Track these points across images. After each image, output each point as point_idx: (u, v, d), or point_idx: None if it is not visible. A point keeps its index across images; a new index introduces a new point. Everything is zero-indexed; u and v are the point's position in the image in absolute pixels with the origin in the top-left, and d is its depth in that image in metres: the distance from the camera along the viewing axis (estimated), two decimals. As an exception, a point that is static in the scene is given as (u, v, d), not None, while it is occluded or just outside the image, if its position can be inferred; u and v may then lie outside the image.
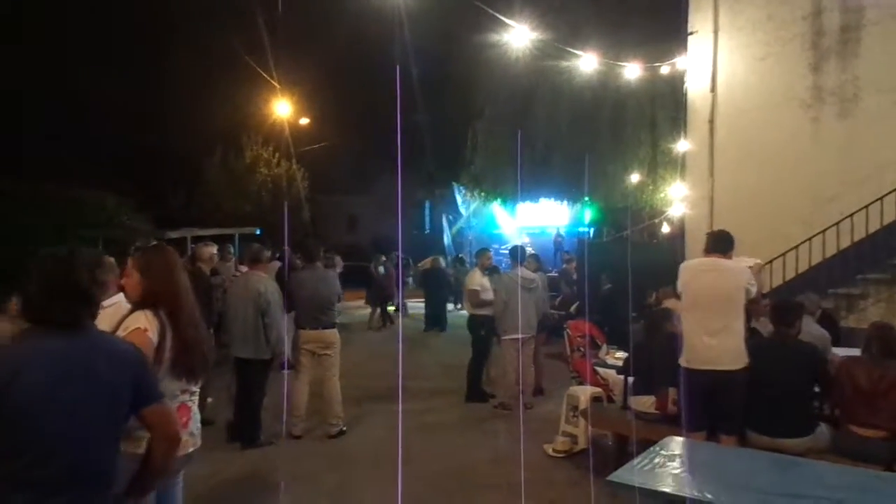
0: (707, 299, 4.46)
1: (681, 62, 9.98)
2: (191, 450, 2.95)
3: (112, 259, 3.32)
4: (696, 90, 9.26)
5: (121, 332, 2.73)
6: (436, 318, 14.67)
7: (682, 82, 9.99)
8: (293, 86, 20.97)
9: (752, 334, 4.86)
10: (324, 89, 22.82)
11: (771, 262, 7.86)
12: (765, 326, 5.04)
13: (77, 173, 16.58)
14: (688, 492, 2.83)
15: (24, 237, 10.32)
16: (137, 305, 2.84)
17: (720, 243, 4.68)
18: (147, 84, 21.40)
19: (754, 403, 4.31)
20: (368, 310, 15.21)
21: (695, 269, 4.71)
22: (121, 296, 3.12)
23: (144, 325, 2.73)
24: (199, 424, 3.04)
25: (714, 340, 4.36)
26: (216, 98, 21.70)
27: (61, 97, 19.47)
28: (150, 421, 2.31)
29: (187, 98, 21.26)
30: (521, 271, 7.69)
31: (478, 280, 8.05)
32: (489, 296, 7.87)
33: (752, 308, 4.68)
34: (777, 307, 4.71)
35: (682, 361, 4.48)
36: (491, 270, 8.37)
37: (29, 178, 14.92)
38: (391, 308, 15.57)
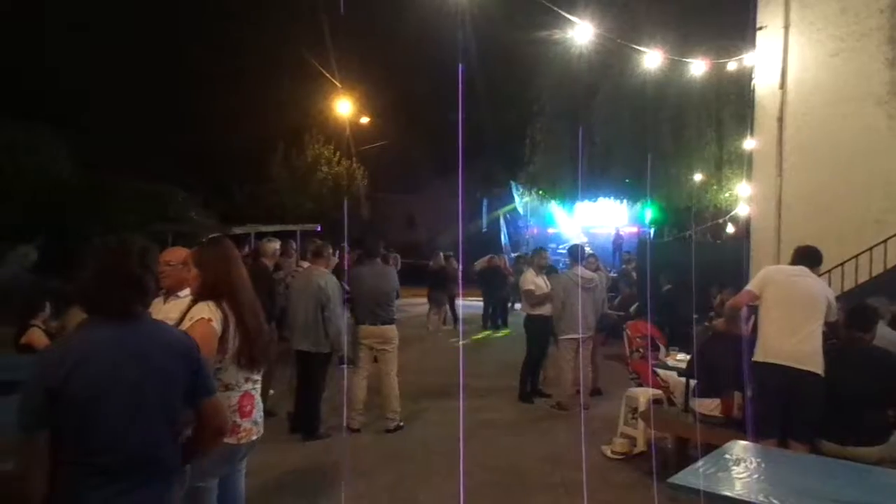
0: (797, 301, 4.44)
1: (748, 58, 9.69)
2: (254, 438, 3.01)
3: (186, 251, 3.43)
4: (765, 87, 8.96)
5: (186, 323, 2.81)
6: (494, 317, 14.62)
7: (750, 79, 9.70)
8: (354, 85, 21.27)
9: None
10: (384, 88, 23.06)
11: (842, 264, 7.57)
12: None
13: (149, 168, 17.23)
14: (755, 497, 2.75)
15: (104, 229, 10.79)
16: (198, 297, 2.92)
17: (808, 257, 4.70)
18: (213, 83, 21.99)
19: (826, 410, 4.16)
20: (425, 306, 15.20)
21: (786, 271, 4.71)
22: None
23: (209, 316, 2.81)
24: (262, 413, 3.10)
25: (798, 340, 4.31)
26: (280, 97, 22.17)
27: (133, 94, 20.21)
28: (202, 413, 2.33)
29: (252, 97, 21.77)
30: (580, 270, 7.61)
31: (531, 279, 7.99)
32: (545, 294, 7.83)
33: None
34: (853, 312, 4.54)
35: (759, 357, 4.41)
36: (547, 270, 8.30)
37: (107, 172, 15.62)
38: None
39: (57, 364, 2.06)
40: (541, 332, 7.94)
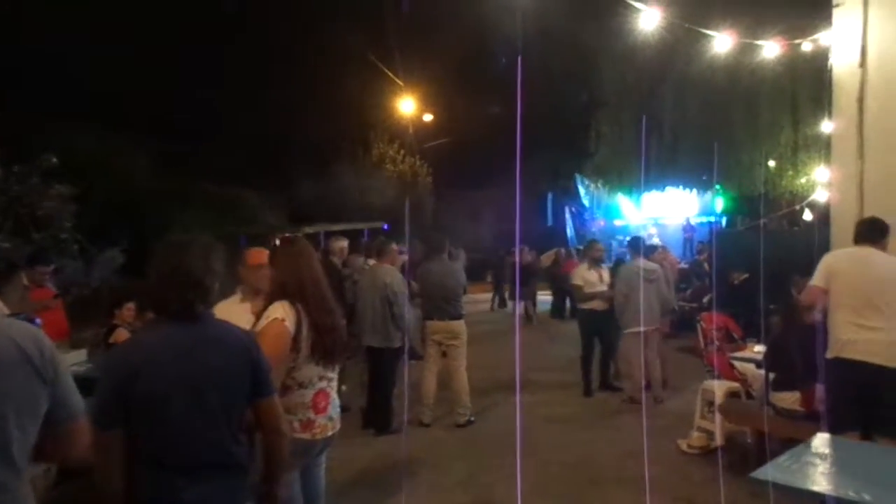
0: (867, 289, 4.11)
1: (824, 38, 9.28)
2: (330, 433, 3.06)
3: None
4: (843, 66, 8.53)
5: (262, 322, 2.88)
6: (562, 311, 14.53)
7: (826, 59, 9.29)
8: (417, 83, 21.41)
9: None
10: (447, 84, 23.10)
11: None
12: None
13: (222, 172, 17.80)
14: (842, 492, 2.65)
15: (181, 232, 11.25)
16: (272, 297, 2.98)
17: (872, 231, 4.30)
18: (281, 84, 22.52)
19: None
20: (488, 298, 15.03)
21: (846, 258, 4.34)
22: None
23: (282, 316, 2.86)
24: (338, 409, 3.15)
25: (873, 333, 4.01)
26: (346, 98, 22.50)
27: (206, 100, 20.88)
28: (259, 413, 2.33)
29: (319, 98, 22.18)
30: (642, 262, 7.49)
31: (581, 274, 7.90)
32: (596, 290, 7.73)
33: None
34: None
35: (831, 353, 4.16)
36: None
37: (183, 177, 16.21)
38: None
39: (122, 364, 2.13)
40: (591, 327, 7.83)
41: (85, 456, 1.93)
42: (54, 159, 9.96)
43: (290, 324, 2.86)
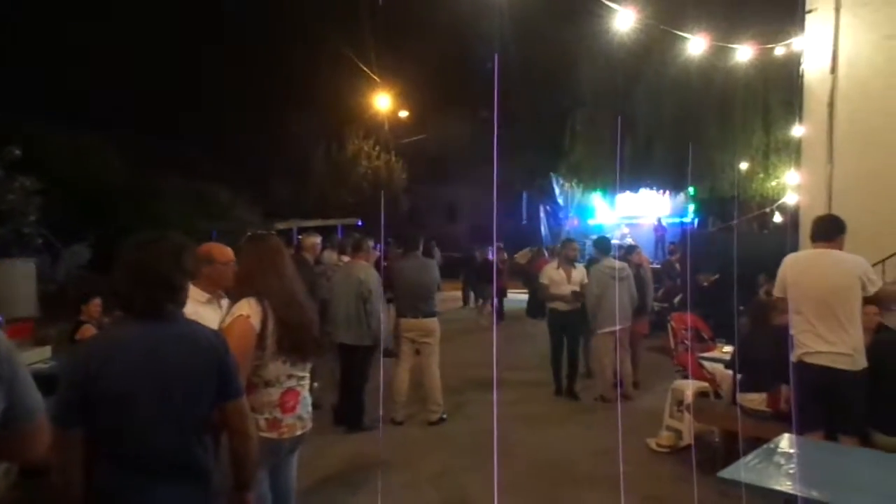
0: (816, 297, 4.09)
1: (797, 43, 9.42)
2: (299, 433, 3.00)
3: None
4: (814, 72, 8.70)
5: (227, 320, 2.84)
6: (537, 310, 14.56)
7: (798, 64, 9.43)
8: (393, 79, 21.36)
9: (880, 329, 4.56)
10: (423, 81, 23.10)
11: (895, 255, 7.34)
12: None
13: (193, 166, 17.60)
14: (806, 492, 2.69)
15: (151, 228, 11.11)
16: (239, 294, 2.93)
17: (826, 230, 4.26)
18: (254, 79, 22.34)
19: (882, 402, 4.00)
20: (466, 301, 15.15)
21: (799, 263, 4.33)
22: None
23: (247, 312, 2.81)
24: (309, 409, 3.08)
25: (828, 340, 4.01)
26: (321, 94, 22.39)
27: (175, 95, 20.62)
28: (226, 415, 2.30)
29: (293, 93, 22.04)
30: (612, 262, 7.53)
31: (549, 274, 7.81)
32: (561, 290, 7.64)
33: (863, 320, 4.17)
34: None
35: (795, 357, 4.20)
36: (572, 261, 8.03)
37: (153, 173, 16.00)
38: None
39: (84, 362, 2.08)
40: (558, 326, 7.74)
41: (45, 456, 1.88)
42: (17, 151, 9.74)
43: (255, 321, 2.80)
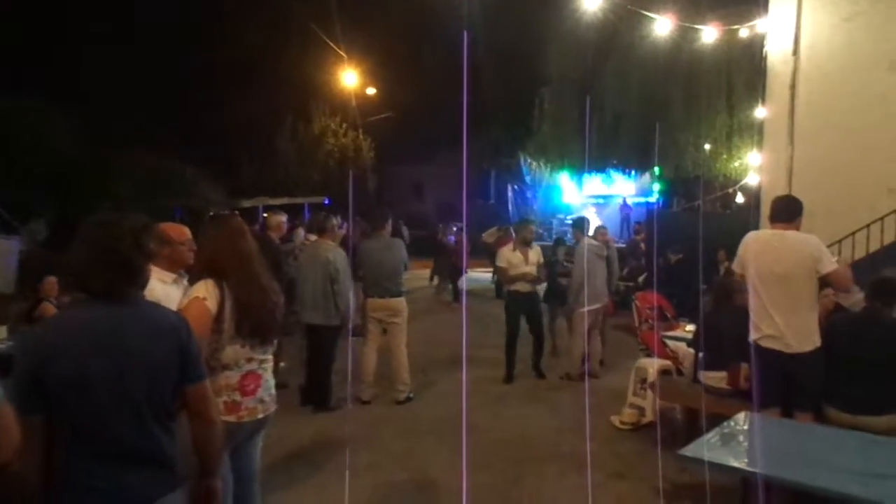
0: (771, 278, 4.15)
1: (760, 24, 9.52)
2: (261, 416, 2.97)
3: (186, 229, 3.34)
4: (777, 54, 8.82)
5: (184, 301, 2.79)
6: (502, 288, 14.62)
7: (762, 46, 9.54)
8: (360, 56, 21.09)
9: (837, 309, 4.67)
10: (391, 58, 22.86)
11: (854, 233, 7.52)
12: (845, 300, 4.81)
13: (157, 143, 17.20)
14: (762, 469, 2.76)
15: (111, 205, 10.82)
16: (197, 275, 2.89)
17: (784, 210, 4.28)
18: (220, 56, 21.84)
19: (837, 380, 4.12)
20: (432, 279, 15.15)
21: (756, 243, 4.37)
22: None
23: (203, 294, 2.76)
24: (272, 391, 3.05)
25: (781, 322, 4.09)
26: (286, 69, 22.01)
27: (136, 68, 20.09)
28: (188, 399, 2.23)
29: (259, 69, 21.64)
30: (590, 241, 7.58)
31: (506, 256, 7.65)
32: (519, 270, 7.52)
33: (821, 302, 4.27)
34: (877, 285, 4.29)
35: (753, 336, 4.29)
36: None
37: (112, 148, 15.57)
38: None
39: (38, 345, 2.02)
40: (517, 308, 7.62)
41: (15, 444, 1.80)
42: None
43: (211, 303, 2.76)
